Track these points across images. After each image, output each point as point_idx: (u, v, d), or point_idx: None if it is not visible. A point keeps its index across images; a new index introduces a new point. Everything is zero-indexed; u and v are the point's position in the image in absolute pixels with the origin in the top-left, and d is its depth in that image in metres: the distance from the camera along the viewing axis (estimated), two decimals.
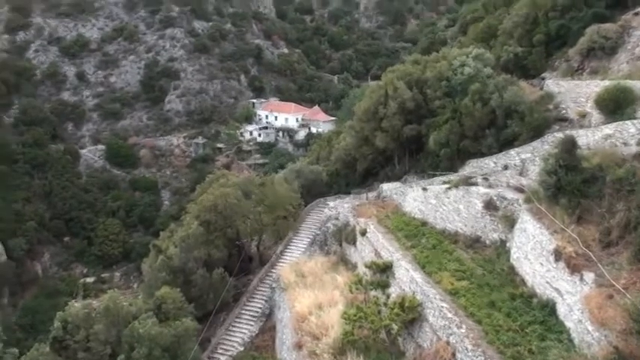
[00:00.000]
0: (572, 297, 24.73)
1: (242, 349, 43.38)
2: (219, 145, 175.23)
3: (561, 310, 25.64)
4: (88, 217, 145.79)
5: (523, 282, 29.34)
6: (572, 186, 27.48)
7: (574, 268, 24.92)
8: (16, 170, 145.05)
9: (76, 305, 40.68)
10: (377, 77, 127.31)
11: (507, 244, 32.91)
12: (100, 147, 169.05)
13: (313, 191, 60.18)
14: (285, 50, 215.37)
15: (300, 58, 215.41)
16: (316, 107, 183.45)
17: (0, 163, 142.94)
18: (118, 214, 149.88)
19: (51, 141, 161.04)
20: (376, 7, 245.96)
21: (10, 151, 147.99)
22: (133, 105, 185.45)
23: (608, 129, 33.31)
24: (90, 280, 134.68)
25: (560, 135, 34.61)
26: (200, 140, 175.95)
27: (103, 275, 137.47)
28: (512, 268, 30.85)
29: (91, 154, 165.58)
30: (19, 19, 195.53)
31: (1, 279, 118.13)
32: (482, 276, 31.50)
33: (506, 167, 41.09)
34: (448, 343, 26.84)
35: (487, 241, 35.13)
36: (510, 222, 32.84)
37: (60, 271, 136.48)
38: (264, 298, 46.99)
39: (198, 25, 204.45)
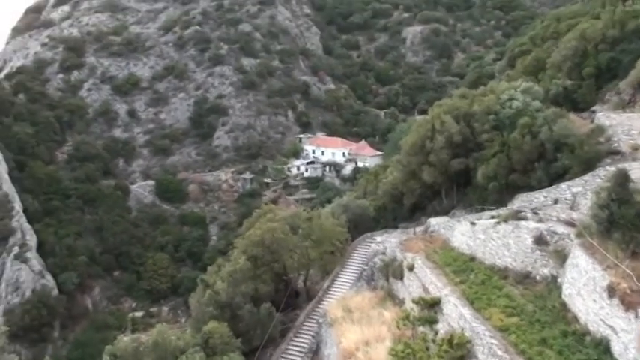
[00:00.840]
0: (627, 335, 23.98)
1: None
2: (267, 180, 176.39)
3: (616, 348, 24.86)
4: (138, 252, 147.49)
5: (575, 319, 28.57)
6: (625, 220, 26.80)
7: (629, 305, 24.18)
8: (69, 205, 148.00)
9: (124, 339, 41.06)
10: (424, 111, 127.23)
11: (559, 280, 32.16)
12: (150, 182, 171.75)
13: (360, 226, 59.96)
14: (332, 86, 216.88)
15: (347, 93, 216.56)
16: (363, 142, 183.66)
17: (53, 198, 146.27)
18: (167, 248, 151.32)
19: (102, 177, 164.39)
20: (423, 41, 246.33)
21: (63, 186, 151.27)
22: (182, 141, 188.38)
23: None
24: (139, 314, 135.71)
25: (612, 168, 33.93)
26: (248, 175, 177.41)
27: (151, 309, 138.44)
28: (564, 305, 30.10)
29: (141, 190, 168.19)
30: (74, 59, 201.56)
31: (52, 312, 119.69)
32: (533, 312, 30.79)
33: (556, 201, 40.36)
34: None
35: (537, 277, 34.39)
36: (562, 257, 32.12)
37: (109, 305, 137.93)
38: (311, 333, 46.67)
39: (247, 62, 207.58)
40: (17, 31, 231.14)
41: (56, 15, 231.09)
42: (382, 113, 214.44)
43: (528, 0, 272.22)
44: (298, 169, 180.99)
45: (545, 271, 33.79)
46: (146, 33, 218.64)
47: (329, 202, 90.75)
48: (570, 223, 34.55)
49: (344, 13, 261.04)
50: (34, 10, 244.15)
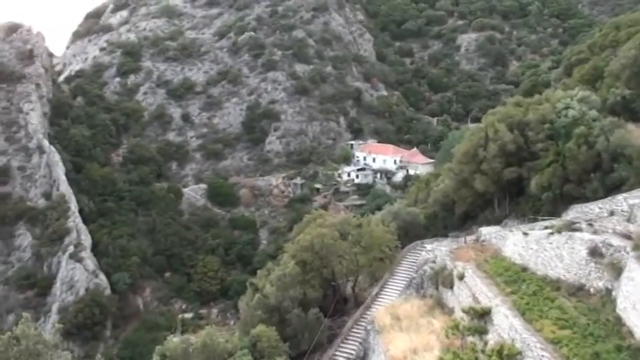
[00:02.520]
0: None
1: None
2: (317, 186, 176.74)
3: None
4: (189, 254, 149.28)
5: (631, 333, 27.88)
6: None
7: None
8: (122, 207, 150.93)
9: (174, 340, 41.54)
10: (477, 119, 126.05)
11: (613, 293, 31.42)
12: (202, 186, 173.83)
13: (410, 233, 59.62)
14: (384, 92, 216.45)
15: (399, 100, 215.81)
16: (414, 149, 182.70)
17: (108, 199, 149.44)
18: (217, 251, 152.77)
19: (156, 179, 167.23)
20: (477, 49, 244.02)
21: (118, 188, 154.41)
22: (235, 146, 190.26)
23: None
24: (188, 315, 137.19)
25: None
26: (298, 181, 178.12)
27: (201, 311, 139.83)
28: (618, 319, 29.40)
29: (193, 193, 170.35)
30: (131, 63, 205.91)
31: (104, 312, 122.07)
32: (587, 325, 30.15)
33: (612, 213, 39.47)
34: None
35: (591, 289, 33.67)
36: (617, 270, 31.38)
37: (160, 306, 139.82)
38: (359, 340, 46.52)
39: (299, 68, 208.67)
40: (77, 36, 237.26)
41: (114, 20, 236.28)
42: (434, 121, 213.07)
43: (586, 8, 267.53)
44: (349, 175, 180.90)
45: (600, 283, 33.06)
46: (201, 38, 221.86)
47: (379, 208, 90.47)
48: (627, 236, 33.76)
49: (398, 19, 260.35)
50: (94, 16, 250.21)
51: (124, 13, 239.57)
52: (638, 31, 66.36)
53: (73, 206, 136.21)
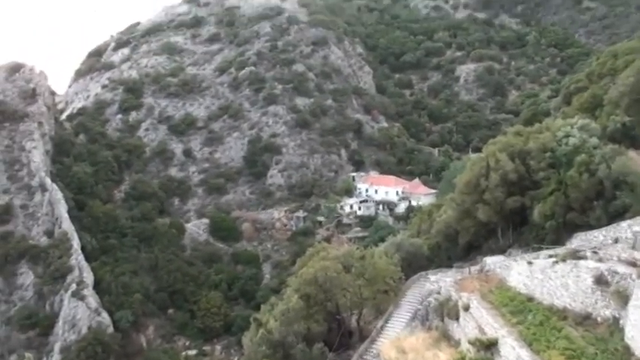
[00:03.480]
0: None
1: None
2: (320, 219, 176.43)
3: None
4: (192, 290, 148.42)
5: None
6: None
7: None
8: (125, 244, 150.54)
9: None
10: (478, 149, 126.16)
11: (621, 322, 31.14)
12: (204, 221, 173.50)
13: (414, 265, 59.37)
14: (385, 124, 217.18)
15: (400, 131, 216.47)
16: (416, 180, 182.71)
17: (110, 236, 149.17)
18: (220, 287, 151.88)
19: (158, 215, 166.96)
20: (476, 79, 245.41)
21: (120, 225, 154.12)
22: (237, 180, 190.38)
23: None
24: (192, 352, 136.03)
25: None
26: (301, 214, 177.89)
27: (204, 348, 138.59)
28: (627, 348, 29.10)
29: (196, 228, 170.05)
30: (132, 100, 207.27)
31: (107, 350, 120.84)
32: (595, 355, 29.85)
33: (616, 240, 39.33)
34: None
35: (598, 318, 33.38)
36: (624, 298, 31.15)
37: (163, 344, 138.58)
38: None
39: (300, 101, 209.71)
40: (79, 74, 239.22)
41: (116, 58, 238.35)
42: (436, 151, 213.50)
43: (583, 37, 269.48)
44: (351, 207, 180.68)
45: (607, 312, 32.79)
46: (202, 74, 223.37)
47: (382, 240, 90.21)
48: (632, 263, 33.57)
49: (396, 52, 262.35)
50: (95, 54, 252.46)
51: (126, 51, 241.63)
52: (635, 59, 66.77)
53: (76, 244, 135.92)
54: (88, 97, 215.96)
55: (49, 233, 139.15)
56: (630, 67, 62.76)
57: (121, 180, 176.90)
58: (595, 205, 43.66)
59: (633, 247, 36.77)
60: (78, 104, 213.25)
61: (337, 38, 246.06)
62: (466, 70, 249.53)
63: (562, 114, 74.21)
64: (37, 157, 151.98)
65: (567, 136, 49.88)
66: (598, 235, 41.44)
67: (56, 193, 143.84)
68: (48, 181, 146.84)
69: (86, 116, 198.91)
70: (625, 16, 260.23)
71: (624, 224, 39.79)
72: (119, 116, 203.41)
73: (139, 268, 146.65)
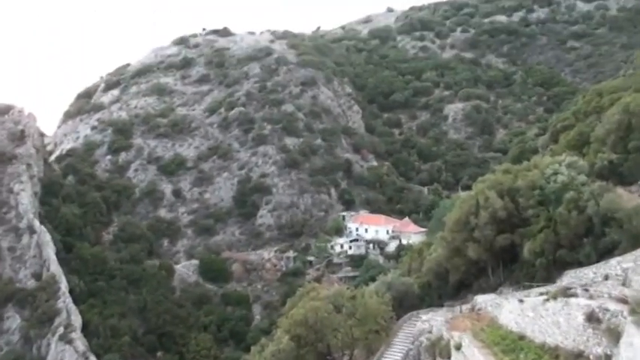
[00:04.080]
0: None
1: None
2: (310, 259, 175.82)
3: None
4: (181, 332, 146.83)
5: None
6: None
7: None
8: (113, 286, 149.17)
9: None
10: (467, 187, 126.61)
11: (613, 359, 30.98)
12: (194, 262, 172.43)
13: (405, 304, 59.11)
14: (375, 163, 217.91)
15: (390, 170, 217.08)
16: (406, 219, 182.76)
17: (98, 279, 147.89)
18: (210, 328, 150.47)
19: (147, 257, 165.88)
20: (464, 118, 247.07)
21: (109, 267, 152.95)
22: (226, 220, 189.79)
23: None
24: None
25: None
26: (291, 254, 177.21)
27: None
28: None
29: (185, 269, 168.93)
30: (122, 141, 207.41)
31: None
32: None
33: (607, 277, 39.33)
34: None
35: (591, 356, 33.19)
36: (615, 335, 31.02)
37: None
38: None
39: (289, 141, 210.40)
40: (68, 115, 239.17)
41: (106, 99, 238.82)
42: (425, 190, 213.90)
43: (569, 76, 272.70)
44: (342, 246, 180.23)
45: (599, 350, 32.62)
46: (192, 114, 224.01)
47: (373, 279, 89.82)
48: (623, 300, 33.51)
49: (385, 91, 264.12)
50: (85, 95, 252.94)
51: (115, 92, 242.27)
52: (620, 97, 67.60)
53: (64, 286, 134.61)
54: (77, 138, 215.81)
55: (37, 276, 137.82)
56: (616, 105, 63.51)
57: (110, 221, 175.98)
58: (584, 242, 43.79)
59: (624, 284, 36.76)
60: (67, 145, 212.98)
61: (326, 78, 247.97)
62: (454, 109, 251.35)
63: (550, 152, 74.84)
64: (26, 199, 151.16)
65: (556, 173, 50.19)
66: (588, 272, 41.44)
67: (44, 235, 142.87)
68: (36, 223, 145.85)
69: (75, 157, 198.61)
70: (609, 55, 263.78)
71: (614, 261, 39.85)
72: (108, 157, 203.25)
73: (127, 310, 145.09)
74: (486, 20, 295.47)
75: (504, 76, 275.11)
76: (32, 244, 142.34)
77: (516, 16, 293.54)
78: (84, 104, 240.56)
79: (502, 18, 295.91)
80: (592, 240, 43.38)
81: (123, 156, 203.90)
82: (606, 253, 42.09)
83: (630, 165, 54.69)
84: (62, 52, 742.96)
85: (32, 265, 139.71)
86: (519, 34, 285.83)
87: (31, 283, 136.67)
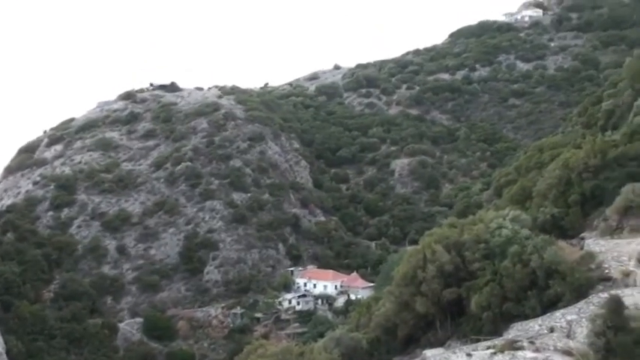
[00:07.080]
0: None
1: None
2: (258, 315, 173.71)
3: None
4: None
5: None
6: (623, 348, 26.34)
7: None
8: (53, 346, 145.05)
9: None
10: (414, 242, 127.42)
11: None
12: (138, 320, 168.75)
13: None
14: (322, 218, 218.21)
15: (337, 225, 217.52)
16: (354, 274, 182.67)
17: (38, 339, 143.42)
18: None
19: (89, 315, 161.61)
20: (410, 173, 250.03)
21: (49, 326, 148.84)
22: (172, 276, 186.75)
23: None
24: None
25: (605, 295, 33.73)
26: (238, 310, 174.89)
27: None
28: None
29: (129, 328, 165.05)
30: (64, 197, 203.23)
31: None
32: None
33: (552, 330, 39.77)
34: None
35: None
36: None
37: None
38: None
39: (237, 196, 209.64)
40: (9, 171, 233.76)
41: (49, 154, 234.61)
42: (373, 244, 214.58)
43: (511, 132, 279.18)
44: (290, 302, 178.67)
45: None
46: (138, 169, 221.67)
47: (321, 335, 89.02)
48: (568, 352, 33.93)
49: (332, 147, 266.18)
50: (27, 150, 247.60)
51: (59, 147, 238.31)
52: (560, 152, 69.57)
53: (1, 347, 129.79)
54: (18, 194, 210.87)
55: None
56: (556, 160, 65.32)
57: (51, 279, 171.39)
58: (529, 294, 44.28)
59: (568, 336, 37.22)
60: (7, 201, 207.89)
61: (274, 134, 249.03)
62: (400, 164, 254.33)
63: (494, 206, 76.12)
64: None
65: (500, 227, 50.95)
66: (534, 325, 41.83)
67: None
68: None
69: (15, 213, 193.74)
70: (549, 112, 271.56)
71: (558, 313, 40.39)
72: (50, 213, 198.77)
73: None
74: (430, 78, 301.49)
75: (449, 132, 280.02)
76: None
77: (459, 75, 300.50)
78: (26, 159, 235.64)
79: (445, 76, 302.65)
80: (537, 292, 43.86)
81: (65, 212, 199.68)
82: (551, 305, 42.59)
83: (571, 219, 55.98)
84: (3, 106, 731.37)
85: None
86: (462, 92, 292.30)
87: None
